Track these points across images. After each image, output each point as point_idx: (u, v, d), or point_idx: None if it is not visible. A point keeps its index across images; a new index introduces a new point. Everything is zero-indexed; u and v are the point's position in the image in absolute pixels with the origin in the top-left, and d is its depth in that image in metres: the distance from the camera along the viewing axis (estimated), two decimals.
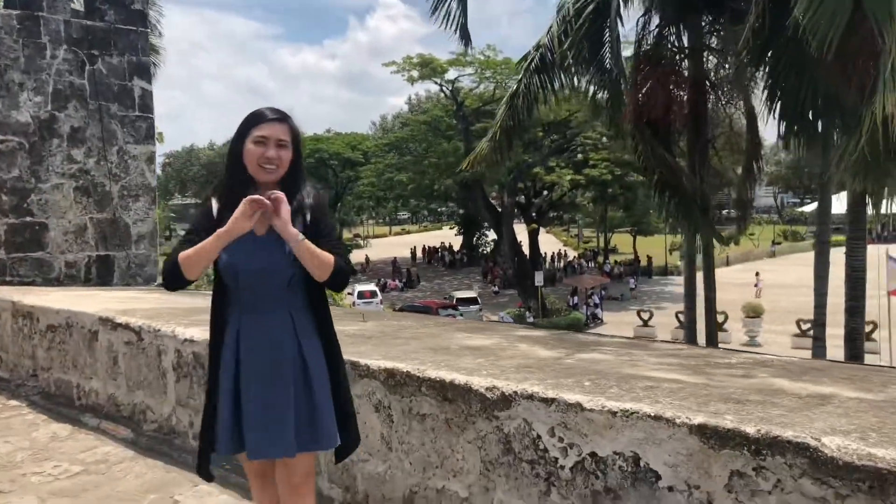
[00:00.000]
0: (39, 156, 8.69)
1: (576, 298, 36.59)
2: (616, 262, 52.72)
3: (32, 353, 6.00)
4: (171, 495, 3.75)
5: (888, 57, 6.65)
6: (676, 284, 44.89)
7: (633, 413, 2.38)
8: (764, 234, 65.09)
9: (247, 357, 2.48)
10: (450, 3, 10.96)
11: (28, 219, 8.63)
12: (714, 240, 13.47)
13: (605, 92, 11.23)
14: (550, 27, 11.60)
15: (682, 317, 27.19)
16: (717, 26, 12.82)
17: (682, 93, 11.84)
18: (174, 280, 2.41)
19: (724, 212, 44.08)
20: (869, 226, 17.35)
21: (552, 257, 55.59)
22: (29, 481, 4.04)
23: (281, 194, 2.34)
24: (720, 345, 15.86)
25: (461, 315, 30.11)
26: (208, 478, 2.72)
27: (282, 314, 2.48)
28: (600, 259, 55.50)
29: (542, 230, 50.11)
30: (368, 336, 3.97)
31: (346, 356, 3.25)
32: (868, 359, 15.44)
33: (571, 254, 60.11)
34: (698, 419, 2.25)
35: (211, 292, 2.63)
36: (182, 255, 2.37)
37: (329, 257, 2.41)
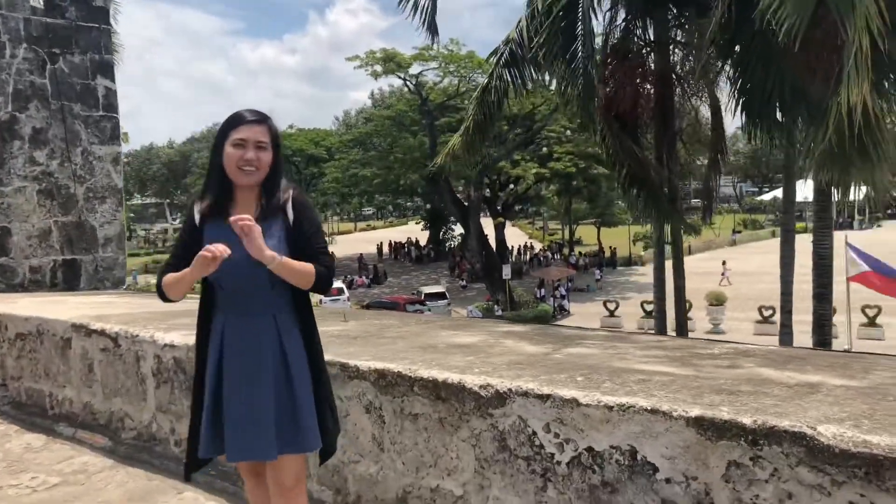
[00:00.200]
0: (0, 158, 8.46)
1: (543, 290, 36.83)
2: (581, 253, 53.19)
3: (1, 363, 5.84)
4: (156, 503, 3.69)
5: (851, 49, 6.80)
6: (641, 274, 45.52)
7: (629, 407, 2.40)
8: (724, 223, 66.22)
9: (229, 359, 2.49)
10: None
11: None
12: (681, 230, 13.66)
13: (577, 86, 11.29)
14: (519, 22, 11.65)
15: (647, 307, 27.70)
16: (683, 20, 12.99)
17: (649, 86, 11.99)
18: (163, 298, 2.56)
19: (692, 201, 44.68)
20: None
21: (519, 250, 55.84)
22: (7, 494, 3.94)
23: (249, 223, 2.31)
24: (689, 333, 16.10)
25: (429, 310, 30.10)
26: (187, 478, 2.79)
27: (266, 316, 2.49)
28: (566, 251, 55.91)
29: (507, 223, 50.30)
30: (354, 336, 3.94)
31: (334, 358, 3.26)
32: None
33: (538, 246, 60.44)
34: (695, 411, 2.28)
35: (190, 296, 2.66)
36: (165, 280, 2.49)
37: (308, 268, 2.43)
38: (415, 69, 40.62)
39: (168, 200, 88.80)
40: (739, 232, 64.72)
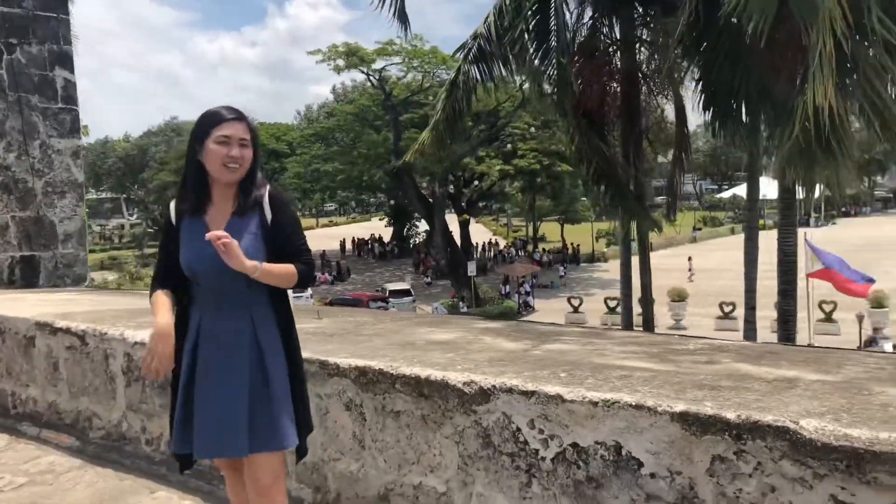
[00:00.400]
0: None
1: (507, 287, 37.02)
2: (545, 250, 53.54)
3: None
4: None
5: (816, 50, 6.95)
6: (604, 271, 46.04)
7: (614, 403, 2.42)
8: (685, 220, 67.24)
9: (204, 355, 2.47)
10: None
11: None
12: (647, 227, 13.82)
13: (552, 79, 11.33)
14: (487, 17, 11.66)
15: (611, 303, 28.05)
16: (649, 18, 13.13)
17: (615, 84, 12.10)
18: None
19: (657, 199, 45.28)
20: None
21: (483, 247, 56.00)
22: None
23: (227, 241, 2.31)
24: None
25: (393, 307, 30.02)
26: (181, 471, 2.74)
27: (242, 313, 2.48)
28: (530, 248, 56.24)
29: (471, 220, 50.41)
30: (330, 334, 3.91)
31: (312, 355, 3.23)
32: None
33: (502, 243, 60.68)
34: (679, 407, 2.30)
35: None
36: (152, 300, 2.55)
37: (290, 270, 2.47)
38: (378, 64, 40.45)
39: (125, 195, 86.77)
40: (700, 229, 65.78)
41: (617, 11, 12.72)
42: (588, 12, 12.90)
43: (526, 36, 11.20)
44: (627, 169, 12.24)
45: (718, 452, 2.22)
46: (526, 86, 13.00)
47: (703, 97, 10.19)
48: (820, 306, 23.86)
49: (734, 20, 7.65)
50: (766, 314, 18.20)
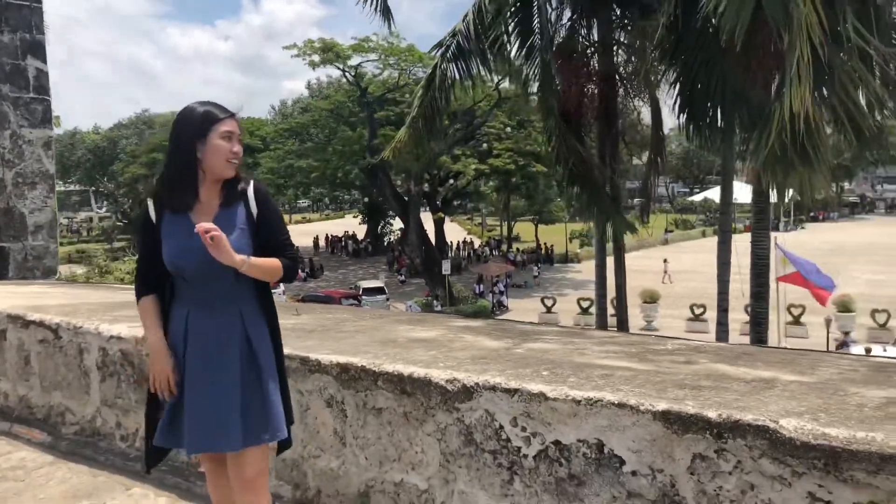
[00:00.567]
0: None
1: (482, 286, 37.08)
2: (519, 250, 53.70)
3: None
4: (104, 501, 3.57)
5: (793, 56, 7.07)
6: (577, 272, 46.27)
7: (597, 401, 2.44)
8: (657, 222, 67.81)
9: (193, 351, 2.46)
10: None
11: None
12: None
13: (535, 76, 11.36)
14: (466, 15, 11.67)
15: (584, 303, 28.23)
16: (626, 21, 13.24)
17: (593, 86, 12.18)
18: None
19: (633, 201, 45.60)
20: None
21: (458, 246, 56.02)
22: None
23: (216, 234, 2.31)
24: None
25: (367, 305, 29.90)
26: (147, 472, 2.75)
27: (231, 308, 2.48)
28: (504, 247, 56.37)
29: (446, 219, 50.39)
30: (310, 330, 3.89)
31: (293, 351, 3.21)
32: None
33: (476, 242, 60.75)
34: (661, 405, 2.33)
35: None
36: (140, 309, 2.56)
37: (275, 264, 2.50)
38: (354, 60, 40.22)
39: (93, 188, 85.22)
40: (671, 231, 66.38)
41: (595, 13, 12.81)
42: (567, 14, 13.00)
43: (505, 37, 11.23)
44: (604, 170, 12.33)
45: (699, 451, 2.25)
46: (504, 84, 13.05)
47: (679, 100, 10.32)
48: (789, 309, 24.24)
49: (710, 28, 7.75)
50: (735, 316, 18.45)
